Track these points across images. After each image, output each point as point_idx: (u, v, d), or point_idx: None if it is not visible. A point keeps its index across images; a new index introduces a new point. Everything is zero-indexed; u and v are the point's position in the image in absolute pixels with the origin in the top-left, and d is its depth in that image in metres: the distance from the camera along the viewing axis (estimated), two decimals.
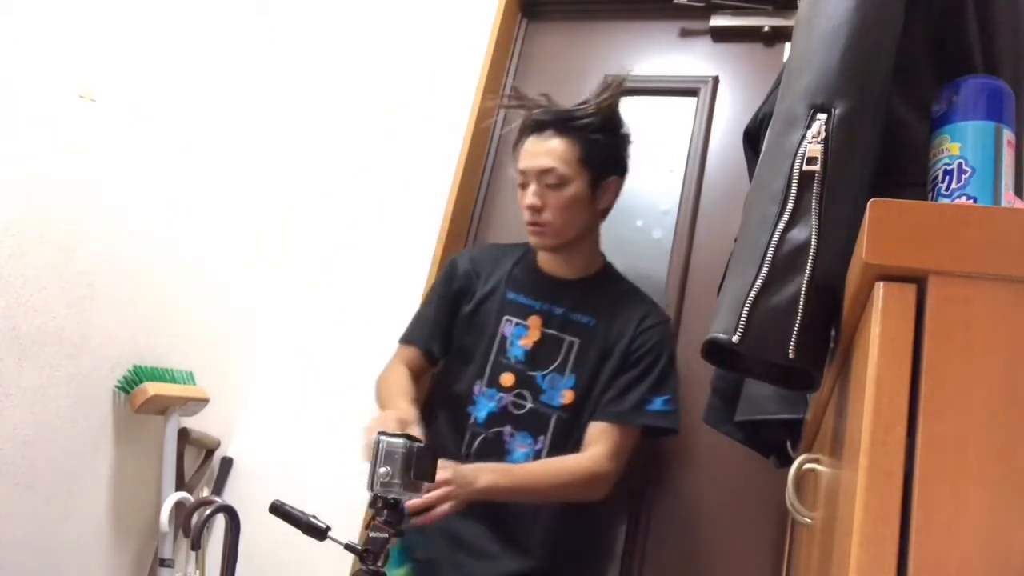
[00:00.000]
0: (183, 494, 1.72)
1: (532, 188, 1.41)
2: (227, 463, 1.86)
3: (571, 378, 1.43)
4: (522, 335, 1.46)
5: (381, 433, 1.11)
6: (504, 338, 1.47)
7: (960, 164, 0.70)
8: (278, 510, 1.16)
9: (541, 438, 1.41)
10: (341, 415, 1.77)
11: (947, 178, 0.70)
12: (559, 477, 1.36)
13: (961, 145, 0.71)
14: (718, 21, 1.90)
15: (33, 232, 1.57)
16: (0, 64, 1.49)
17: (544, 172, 1.39)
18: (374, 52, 2.13)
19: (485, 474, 1.30)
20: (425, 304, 1.60)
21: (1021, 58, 0.87)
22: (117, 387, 1.75)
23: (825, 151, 0.70)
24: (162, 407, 1.76)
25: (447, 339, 1.53)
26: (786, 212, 0.69)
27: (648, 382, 1.40)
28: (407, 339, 1.56)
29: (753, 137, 1.17)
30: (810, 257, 0.67)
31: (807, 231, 0.68)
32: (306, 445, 1.82)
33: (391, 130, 2.05)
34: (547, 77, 2.05)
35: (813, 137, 0.71)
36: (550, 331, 1.46)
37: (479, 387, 1.46)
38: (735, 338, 0.68)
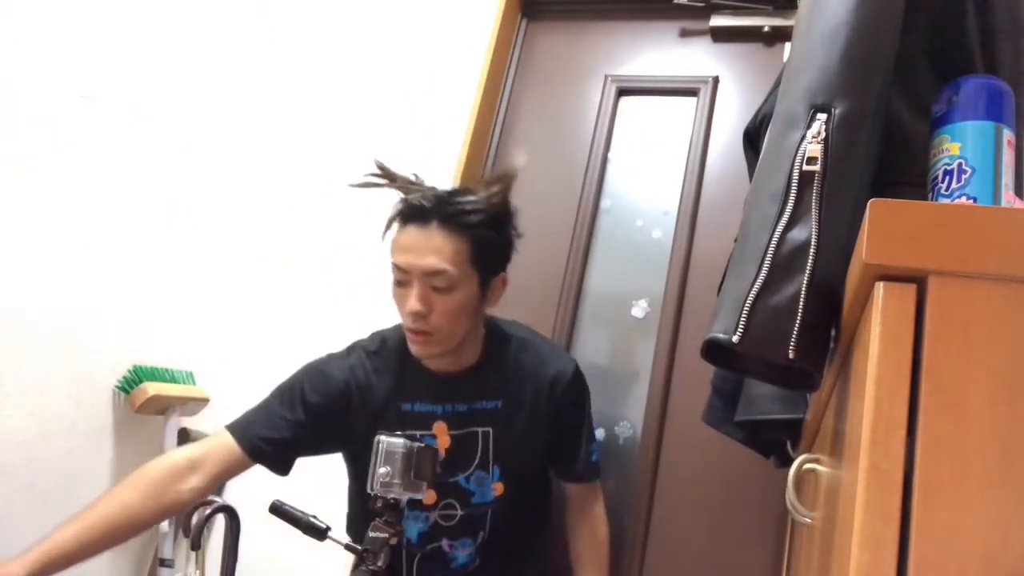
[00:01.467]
0: None
1: (416, 290, 1.21)
2: None
3: (496, 470, 1.34)
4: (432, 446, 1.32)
5: (381, 432, 1.12)
6: None
7: (960, 164, 0.70)
8: (278, 510, 1.16)
9: (480, 533, 1.37)
10: None
11: (947, 178, 0.70)
12: (605, 560, 1.44)
13: (961, 145, 0.71)
14: (718, 21, 1.90)
15: (33, 232, 1.57)
16: (0, 64, 1.49)
17: (432, 274, 1.21)
18: (374, 52, 2.13)
19: None
20: (279, 403, 1.32)
21: (1021, 58, 0.86)
22: (117, 387, 1.75)
23: (825, 151, 0.70)
24: (162, 407, 1.76)
25: (291, 453, 1.32)
26: (786, 212, 0.69)
27: (585, 436, 1.42)
28: (236, 430, 1.29)
29: (753, 137, 1.17)
30: (810, 257, 0.67)
31: (807, 231, 0.68)
32: None
33: (390, 130, 2.05)
34: (547, 77, 2.05)
35: (813, 137, 0.71)
36: (459, 432, 1.32)
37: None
38: (735, 338, 0.68)
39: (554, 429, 1.38)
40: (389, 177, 1.30)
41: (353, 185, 1.30)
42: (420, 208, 1.23)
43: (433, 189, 1.28)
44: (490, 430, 1.33)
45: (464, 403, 1.33)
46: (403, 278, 1.24)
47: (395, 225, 1.27)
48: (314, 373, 1.36)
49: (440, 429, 1.32)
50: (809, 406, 0.93)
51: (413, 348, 1.27)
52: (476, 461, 1.33)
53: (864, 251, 0.52)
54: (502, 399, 1.34)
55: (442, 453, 1.31)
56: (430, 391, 1.33)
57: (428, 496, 1.32)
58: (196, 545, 1.71)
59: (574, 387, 1.39)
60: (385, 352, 1.36)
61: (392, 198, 1.97)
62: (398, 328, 1.35)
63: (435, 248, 1.21)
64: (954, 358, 0.49)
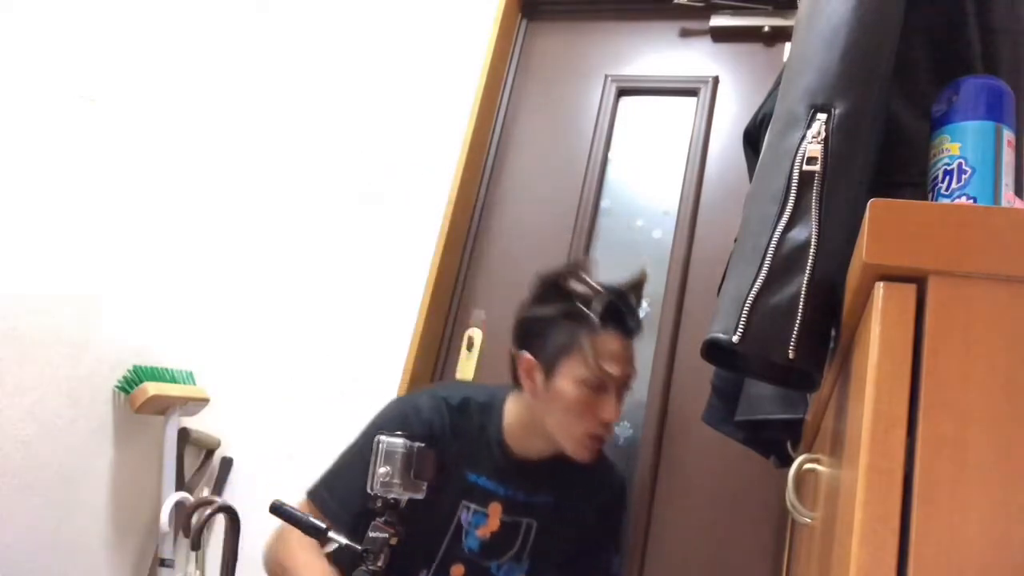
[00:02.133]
0: (183, 494, 1.72)
1: (616, 400, 1.23)
2: (227, 463, 1.86)
3: (527, 564, 1.32)
4: (480, 524, 1.29)
5: (380, 432, 1.11)
6: (460, 526, 1.28)
7: (960, 164, 0.70)
8: (278, 510, 1.16)
9: None
10: (342, 414, 1.77)
11: (947, 178, 0.70)
12: None
13: (961, 145, 0.70)
14: (718, 21, 1.90)
15: (33, 232, 1.57)
16: (0, 64, 1.50)
17: (628, 380, 1.26)
18: (373, 52, 2.13)
19: None
20: (356, 466, 1.23)
21: (1021, 59, 0.87)
22: (117, 387, 1.75)
23: (825, 151, 0.70)
24: (162, 407, 1.76)
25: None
26: (786, 212, 0.69)
27: (614, 546, 1.42)
28: (327, 509, 1.24)
29: (753, 137, 1.17)
30: (810, 257, 0.67)
31: (807, 231, 0.68)
32: (306, 445, 1.82)
33: (390, 130, 2.05)
34: (547, 77, 2.05)
35: (813, 137, 0.71)
36: (509, 518, 1.30)
37: (424, 574, 1.30)
38: (735, 338, 0.68)
39: (589, 536, 1.38)
40: (585, 284, 1.26)
41: (571, 277, 1.28)
42: (626, 317, 1.26)
43: (624, 296, 1.27)
44: (534, 523, 1.32)
45: (524, 492, 1.31)
46: (600, 384, 1.22)
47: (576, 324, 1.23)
48: (395, 418, 1.29)
49: (495, 510, 1.30)
50: (809, 406, 0.93)
51: (585, 455, 1.25)
52: (512, 552, 1.32)
53: (864, 251, 0.52)
54: (554, 496, 1.33)
55: (487, 536, 1.30)
56: (498, 470, 1.30)
57: (456, 570, 1.31)
58: (196, 545, 1.72)
59: (619, 500, 1.42)
60: (467, 414, 1.32)
61: (392, 205, 1.97)
62: (487, 395, 1.34)
63: (632, 357, 1.27)
64: (954, 358, 0.49)
